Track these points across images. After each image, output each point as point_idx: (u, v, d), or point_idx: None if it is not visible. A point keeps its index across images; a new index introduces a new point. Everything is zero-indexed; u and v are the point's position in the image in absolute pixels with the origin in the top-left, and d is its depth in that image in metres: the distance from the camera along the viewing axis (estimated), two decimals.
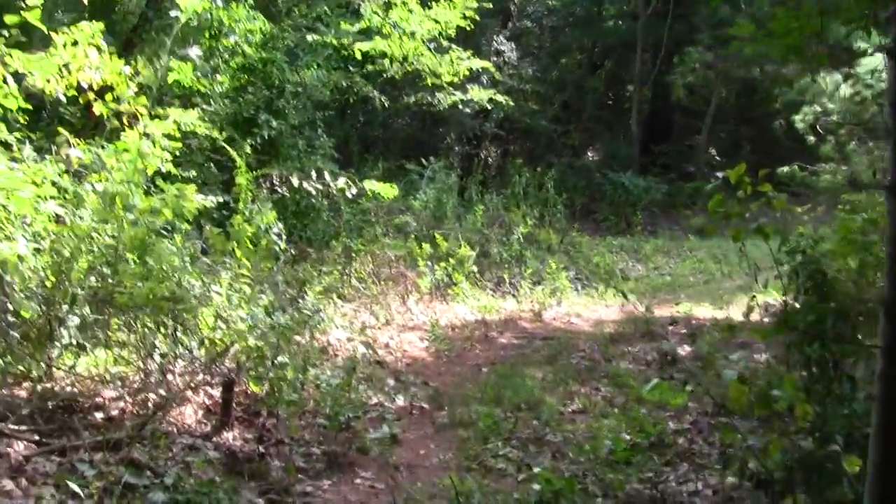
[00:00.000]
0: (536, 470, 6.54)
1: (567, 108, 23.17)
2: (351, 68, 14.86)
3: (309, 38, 13.61)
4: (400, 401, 8.51)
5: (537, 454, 7.09)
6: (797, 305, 7.34)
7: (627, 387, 9.03)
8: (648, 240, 18.23)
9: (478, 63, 14.10)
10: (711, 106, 22.38)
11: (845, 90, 12.33)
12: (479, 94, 15.41)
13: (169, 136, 7.75)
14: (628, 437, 7.32)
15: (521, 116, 21.61)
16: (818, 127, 12.97)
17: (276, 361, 7.32)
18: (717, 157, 23.05)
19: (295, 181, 11.44)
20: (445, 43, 13.56)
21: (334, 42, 13.56)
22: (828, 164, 13.50)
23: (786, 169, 14.39)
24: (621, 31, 23.44)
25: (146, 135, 7.59)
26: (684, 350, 10.38)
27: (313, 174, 11.60)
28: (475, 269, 13.71)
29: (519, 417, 7.93)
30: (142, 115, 7.63)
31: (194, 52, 12.03)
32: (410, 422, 8.06)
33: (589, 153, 24.39)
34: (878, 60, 11.93)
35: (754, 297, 7.15)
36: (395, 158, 18.81)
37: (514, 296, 13.68)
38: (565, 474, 6.55)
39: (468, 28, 13.18)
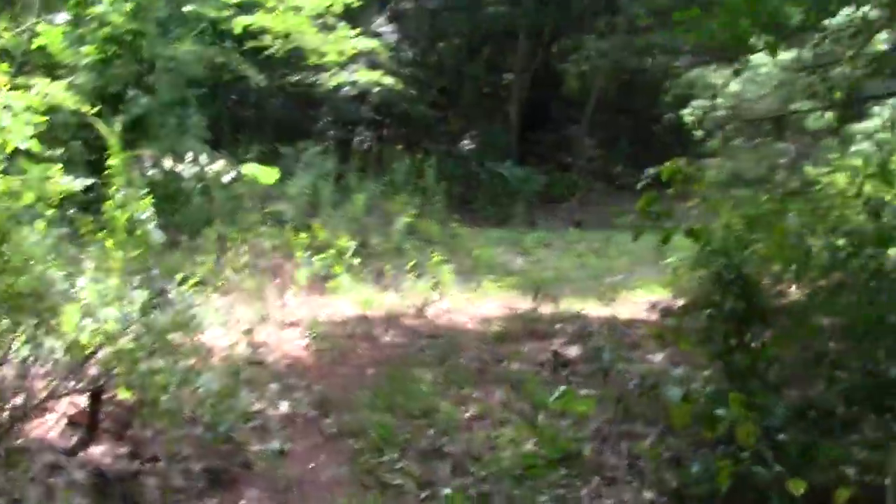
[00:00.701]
0: (446, 491, 6.05)
1: (445, 93, 22.74)
2: (227, 44, 14.09)
3: (184, 9, 12.78)
4: (284, 407, 7.92)
5: (436, 468, 6.60)
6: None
7: (523, 391, 8.63)
8: (529, 232, 17.92)
9: (366, 43, 13.49)
10: (592, 96, 22.26)
11: (734, 86, 12.23)
12: (366, 75, 14.81)
13: (32, 110, 6.97)
14: (532, 448, 6.91)
15: (398, 101, 21.08)
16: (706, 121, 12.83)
17: (150, 366, 6.64)
18: (596, 149, 22.97)
19: (168, 163, 10.66)
20: (332, 20, 12.90)
21: (211, 14, 12.75)
22: (714, 158, 13.39)
23: (668, 164, 14.20)
24: (502, 16, 23.08)
25: (6, 107, 6.80)
26: (575, 350, 10.05)
27: (188, 156, 10.84)
28: (356, 260, 13.13)
29: (413, 425, 7.44)
30: (3, 84, 6.83)
31: (61, 18, 11.10)
32: (297, 431, 7.48)
33: (466, 140, 24.01)
34: (767, 58, 11.86)
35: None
36: (267, 141, 18.06)
37: (395, 290, 13.14)
38: (470, 491, 6.11)
39: (355, 4, 12.54)
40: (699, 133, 12.83)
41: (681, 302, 12.74)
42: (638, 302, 12.93)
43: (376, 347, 10.39)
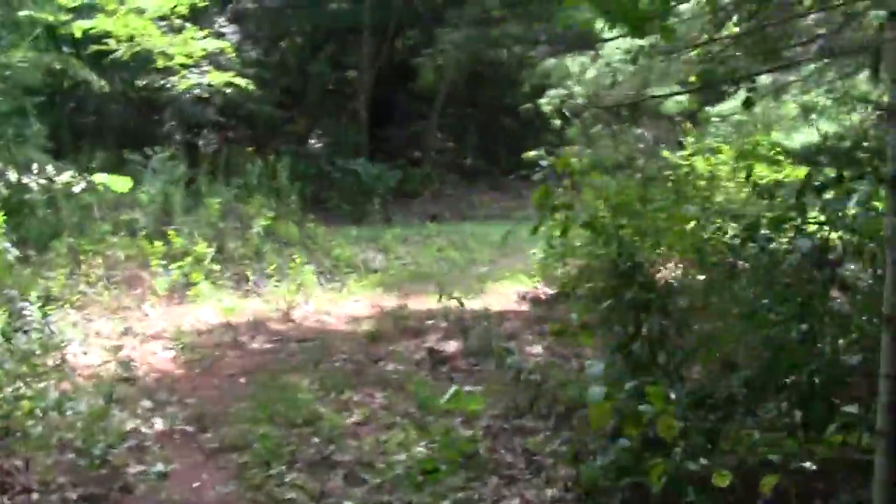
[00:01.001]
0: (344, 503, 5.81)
1: (290, 93, 22.32)
2: (65, 49, 13.43)
3: (18, 14, 12.09)
4: (159, 424, 7.52)
5: (328, 478, 6.35)
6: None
7: (403, 391, 8.44)
8: (386, 228, 17.72)
9: (214, 44, 13.04)
10: (441, 90, 22.18)
11: (591, 73, 12.29)
12: (218, 77, 14.32)
13: None
14: (425, 451, 6.73)
15: (243, 102, 20.58)
16: (563, 110, 12.87)
17: (14, 391, 6.21)
18: (447, 142, 22.91)
19: (13, 175, 10.06)
20: (177, 22, 12.42)
21: (48, 19, 12.11)
22: (574, 146, 13.44)
23: (532, 153, 14.22)
24: (345, 13, 22.76)
25: None
26: (453, 346, 9.92)
27: (34, 167, 10.25)
28: (216, 267, 12.71)
29: (297, 435, 7.16)
30: None
31: None
32: (175, 449, 7.10)
33: (315, 139, 23.64)
34: (626, 43, 11.94)
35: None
36: (111, 148, 17.36)
37: (258, 295, 12.78)
38: (367, 501, 5.89)
39: (200, 4, 12.10)
40: (557, 122, 12.85)
41: (550, 291, 12.84)
42: (506, 293, 12.89)
43: (246, 355, 10.06)
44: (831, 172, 9.09)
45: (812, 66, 11.39)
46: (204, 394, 8.58)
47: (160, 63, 12.84)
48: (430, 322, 11.23)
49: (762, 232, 4.79)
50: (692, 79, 11.75)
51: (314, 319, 11.80)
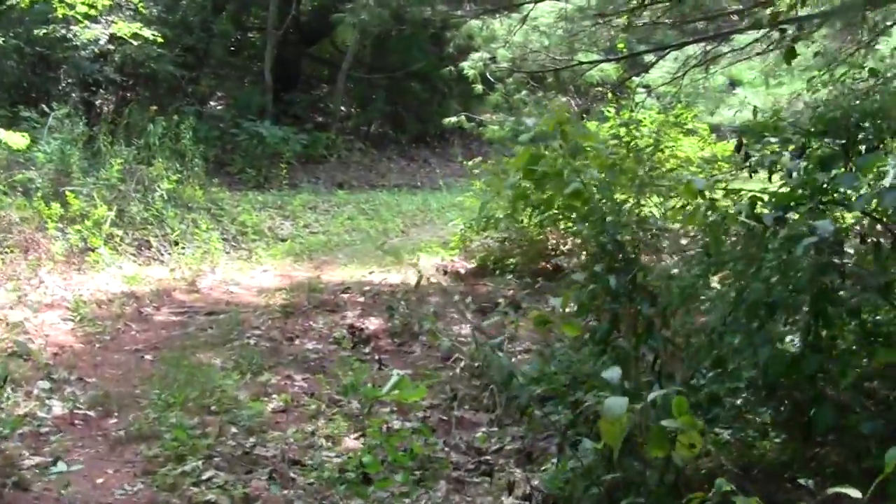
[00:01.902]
0: None
1: (193, 52, 21.12)
2: None
3: None
4: (57, 408, 6.69)
5: (251, 477, 5.60)
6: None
7: (325, 373, 7.72)
8: (293, 195, 16.82)
9: None
10: (348, 54, 21.22)
11: (518, 36, 11.59)
12: (125, 28, 13.22)
13: None
14: (355, 446, 6.04)
15: (143, 61, 19.36)
16: (488, 74, 12.15)
17: None
18: (353, 108, 21.99)
19: None
20: None
21: None
22: (497, 113, 12.77)
23: (453, 119, 13.54)
24: None
25: None
26: (375, 323, 9.20)
27: None
28: (116, 231, 11.73)
29: (212, 424, 6.38)
30: None
31: None
32: (77, 437, 6.29)
33: (217, 101, 22.47)
34: (556, 5, 11.32)
35: None
36: (3, 105, 16.06)
37: (161, 262, 11.85)
38: None
39: None
40: (479, 87, 12.15)
41: (468, 265, 12.19)
42: (423, 266, 12.18)
43: (151, 328, 9.20)
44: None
45: (744, 36, 10.96)
46: (107, 372, 7.74)
47: (60, 12, 11.76)
48: (345, 295, 10.49)
49: (768, 212, 4.19)
50: (620, 46, 11.21)
51: (222, 290, 10.95)
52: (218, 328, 9.05)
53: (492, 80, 12.33)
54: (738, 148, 5.44)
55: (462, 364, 6.85)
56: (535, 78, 12.03)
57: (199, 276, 11.18)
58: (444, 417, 6.47)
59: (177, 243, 12.36)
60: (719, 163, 11.46)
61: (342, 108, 21.62)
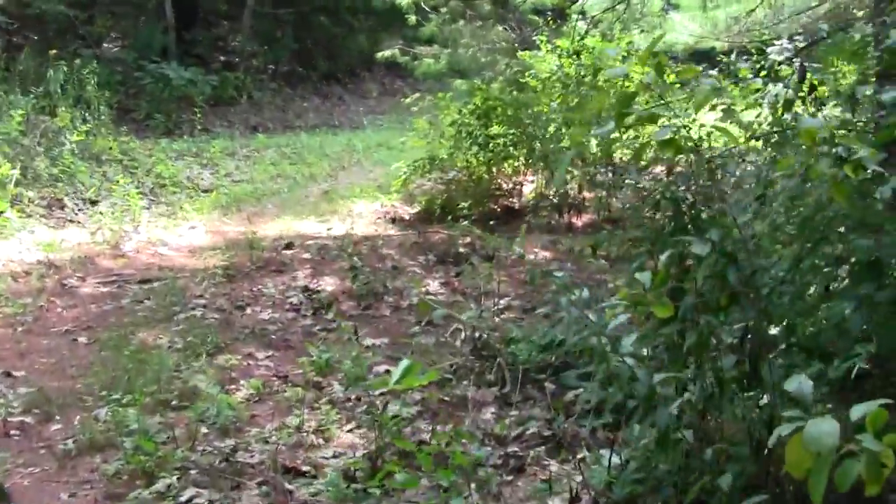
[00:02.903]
0: None
1: None
2: None
3: None
4: None
5: (240, 495, 4.58)
6: None
7: (292, 349, 6.70)
8: (208, 141, 15.48)
9: None
10: None
11: None
12: None
13: None
14: (351, 440, 5.08)
15: (30, 1, 17.72)
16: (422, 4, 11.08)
17: None
18: (261, 46, 20.51)
19: None
20: None
21: None
22: (431, 46, 11.71)
23: (387, 53, 12.43)
24: None
25: None
26: (332, 283, 8.17)
27: None
28: (23, 192, 10.41)
29: (178, 425, 5.33)
30: None
31: None
32: (15, 452, 5.15)
33: (113, 42, 20.72)
34: None
35: None
36: None
37: (78, 223, 10.57)
38: None
39: None
40: (413, 18, 11.07)
41: (411, 210, 11.20)
42: (363, 213, 11.16)
43: (78, 303, 8.01)
44: None
45: None
46: (36, 362, 6.58)
47: None
48: (289, 252, 9.42)
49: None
50: None
51: (150, 252, 9.76)
52: (155, 299, 7.91)
53: (427, 9, 11.28)
54: (801, 78, 4.54)
55: (462, 336, 5.88)
56: (472, 6, 11.04)
57: (122, 238, 9.96)
58: (446, 398, 5.50)
59: (94, 202, 11.08)
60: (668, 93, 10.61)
61: (249, 45, 20.13)
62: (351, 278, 7.75)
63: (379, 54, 12.89)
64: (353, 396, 5.60)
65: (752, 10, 12.40)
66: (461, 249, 8.94)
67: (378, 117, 18.52)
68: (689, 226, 3.88)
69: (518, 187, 11.16)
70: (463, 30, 11.20)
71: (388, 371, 5.95)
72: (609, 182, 9.55)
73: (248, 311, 7.61)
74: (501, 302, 7.19)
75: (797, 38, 12.55)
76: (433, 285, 8.00)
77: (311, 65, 20.98)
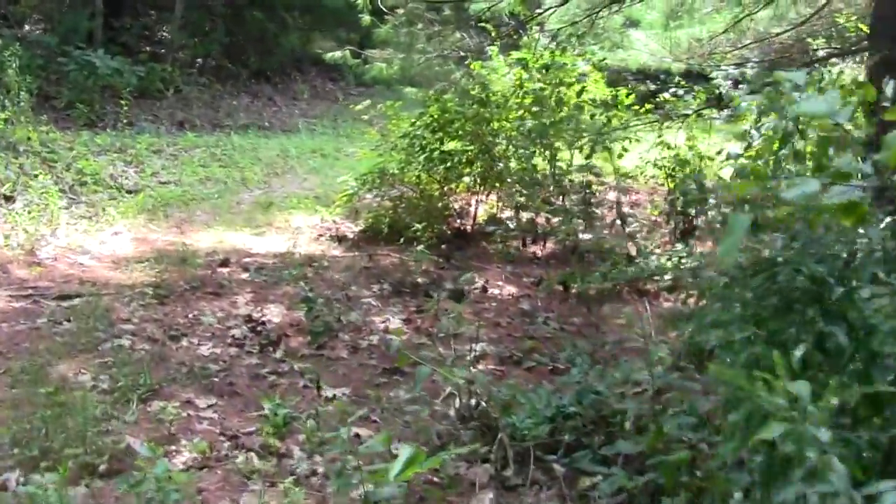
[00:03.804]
0: None
1: None
2: None
3: None
4: None
5: None
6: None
7: (239, 396, 5.64)
8: (133, 135, 14.16)
9: None
10: None
11: None
12: None
13: None
14: None
15: None
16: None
17: None
18: (191, 38, 19.16)
19: None
20: None
21: None
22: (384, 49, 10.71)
23: (337, 54, 11.38)
24: None
25: None
26: (273, 313, 7.11)
27: None
28: None
29: (106, 498, 4.25)
30: None
31: None
32: None
33: (34, 25, 19.17)
34: None
35: None
36: None
37: None
38: None
39: None
40: (367, 18, 10.04)
41: (354, 227, 10.16)
42: (303, 228, 10.08)
43: None
44: None
45: None
46: None
47: None
48: (225, 270, 8.33)
49: None
50: None
51: (69, 261, 8.56)
52: (76, 321, 6.75)
53: (384, 9, 10.27)
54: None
55: (456, 402, 4.87)
56: (432, 9, 10.09)
57: (38, 243, 8.74)
58: (435, 479, 4.51)
59: (8, 198, 9.80)
60: (616, 109, 9.82)
61: (179, 37, 18.77)
62: (305, 312, 6.68)
63: (328, 55, 11.81)
64: (320, 470, 4.57)
65: (725, 32, 11.73)
66: (419, 279, 7.95)
67: (311, 121, 17.38)
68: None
69: (467, 207, 10.23)
70: (419, 34, 10.21)
71: (357, 435, 4.94)
72: (578, 210, 8.65)
73: (184, 342, 6.51)
74: (476, 348, 6.21)
75: (749, 63, 11.97)
76: (393, 322, 6.99)
77: (241, 61, 19.70)
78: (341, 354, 6.37)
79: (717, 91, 10.51)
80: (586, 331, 6.77)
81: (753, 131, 7.41)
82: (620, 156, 9.31)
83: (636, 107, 9.95)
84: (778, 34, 11.62)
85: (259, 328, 6.76)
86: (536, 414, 4.57)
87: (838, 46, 10.48)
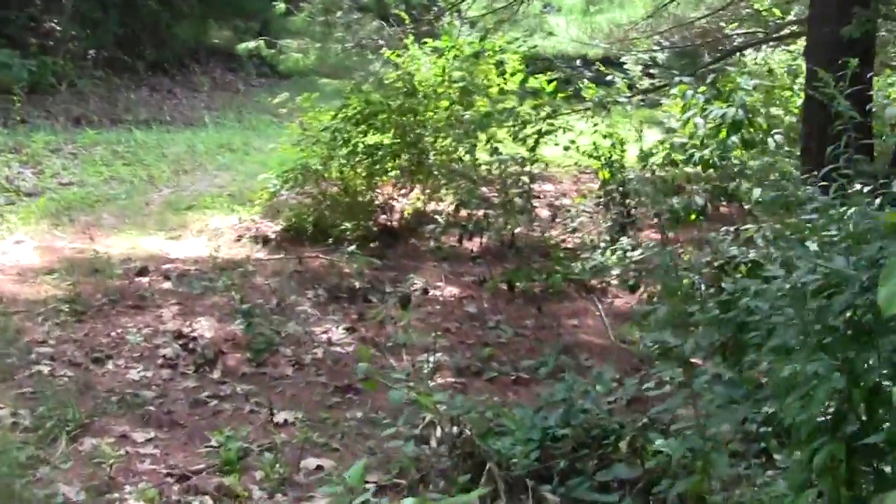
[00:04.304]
0: None
1: None
2: None
3: None
4: None
5: None
6: None
7: (180, 427, 5.02)
8: (28, 133, 13.17)
9: None
10: None
11: None
12: None
13: None
14: None
15: None
16: None
17: None
18: (82, 29, 18.08)
19: None
20: None
21: None
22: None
23: (251, 44, 10.69)
24: None
25: None
26: (205, 328, 6.47)
27: None
28: None
29: None
30: None
31: None
32: None
33: None
34: None
35: None
36: None
37: None
38: None
39: None
40: (281, 6, 9.41)
41: (274, 227, 9.54)
42: (222, 230, 9.40)
43: None
44: None
45: None
46: None
47: None
48: (145, 279, 7.64)
49: None
50: None
51: None
52: None
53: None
54: None
55: (437, 433, 4.34)
56: None
57: None
58: None
59: None
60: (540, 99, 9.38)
61: (70, 28, 17.70)
62: (245, 327, 6.08)
63: (241, 45, 11.10)
64: None
65: (647, 18, 11.46)
66: (355, 283, 7.39)
67: (215, 114, 16.52)
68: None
69: (391, 201, 9.68)
70: (337, 22, 9.61)
71: (319, 467, 4.41)
72: (518, 203, 8.21)
73: (110, 365, 5.85)
74: (431, 359, 5.71)
75: (656, 50, 11.72)
76: (335, 332, 6.44)
77: (136, 53, 18.68)
78: (285, 371, 5.79)
79: (633, 77, 10.23)
80: (542, 334, 6.33)
81: (698, 119, 7.09)
82: (545, 143, 8.86)
83: (562, 94, 9.54)
84: (698, 19, 11.40)
85: (191, 345, 6.13)
86: (522, 439, 4.10)
87: (762, 31, 10.26)
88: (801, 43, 10.25)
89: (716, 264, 4.77)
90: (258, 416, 5.09)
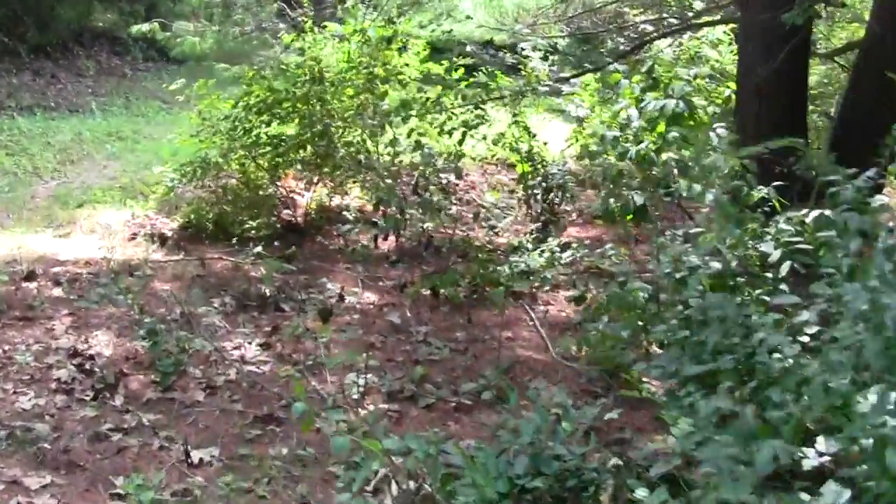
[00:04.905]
0: None
1: None
2: None
3: None
4: None
5: None
6: None
7: (81, 470, 4.31)
8: None
9: None
10: None
11: None
12: None
13: None
14: None
15: None
16: None
17: None
18: None
19: None
20: None
21: None
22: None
23: (145, 27, 9.84)
24: None
25: None
26: (101, 342, 5.74)
27: None
28: None
29: None
30: None
31: None
32: None
33: None
34: None
35: None
36: None
37: None
38: None
39: None
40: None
41: (171, 223, 8.77)
42: (113, 227, 8.58)
43: None
44: None
45: None
46: None
47: None
48: (32, 285, 6.82)
49: None
50: None
51: None
52: None
53: None
54: None
55: (392, 489, 3.72)
56: None
57: None
58: None
59: None
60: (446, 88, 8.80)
61: None
62: (150, 346, 5.36)
63: (134, 28, 10.25)
64: None
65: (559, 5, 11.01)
66: (266, 290, 6.72)
67: (101, 100, 15.45)
68: None
69: (293, 195, 9.01)
70: (235, 2, 8.87)
71: None
72: (439, 201, 7.65)
73: None
74: (359, 382, 5.11)
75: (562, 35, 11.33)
76: (249, 349, 5.77)
77: (17, 35, 17.41)
78: (196, 397, 5.11)
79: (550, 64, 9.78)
80: (476, 349, 5.79)
81: (632, 111, 6.61)
82: (471, 136, 8.30)
83: (468, 82, 8.96)
84: (606, 4, 11.03)
85: (88, 365, 5.39)
86: (488, 495, 3.53)
87: (675, 18, 9.92)
88: (707, 30, 10.01)
89: (677, 276, 4.29)
90: (169, 454, 4.42)
